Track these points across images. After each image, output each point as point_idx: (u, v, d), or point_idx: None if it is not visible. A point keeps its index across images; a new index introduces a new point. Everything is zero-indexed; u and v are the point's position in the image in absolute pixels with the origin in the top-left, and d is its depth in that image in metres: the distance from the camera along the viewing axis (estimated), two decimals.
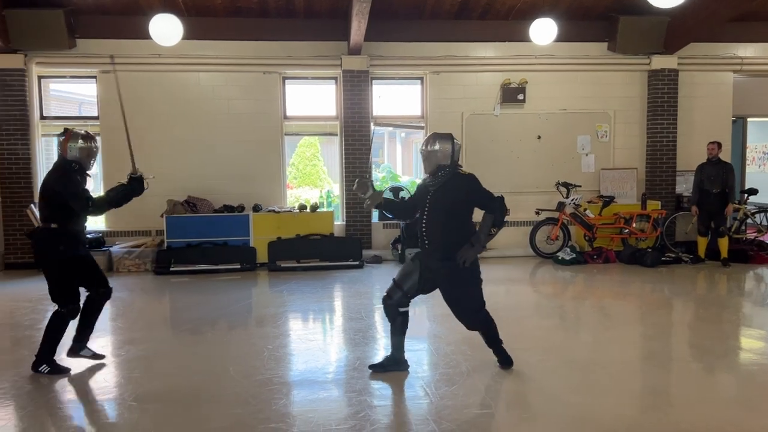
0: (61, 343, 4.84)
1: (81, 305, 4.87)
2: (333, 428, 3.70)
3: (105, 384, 4.56)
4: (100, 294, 4.99)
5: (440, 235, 4.47)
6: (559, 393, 4.25)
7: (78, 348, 5.01)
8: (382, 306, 4.74)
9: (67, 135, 4.78)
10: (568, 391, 4.28)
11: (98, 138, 9.67)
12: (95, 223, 11.04)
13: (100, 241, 9.33)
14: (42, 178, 10.11)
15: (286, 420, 3.85)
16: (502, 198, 4.46)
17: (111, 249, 9.27)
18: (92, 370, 4.83)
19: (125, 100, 9.52)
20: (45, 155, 9.72)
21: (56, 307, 4.80)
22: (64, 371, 4.80)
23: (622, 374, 4.65)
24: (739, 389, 4.39)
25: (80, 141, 4.76)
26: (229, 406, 4.07)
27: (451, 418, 3.82)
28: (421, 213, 4.60)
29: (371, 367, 4.77)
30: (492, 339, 4.64)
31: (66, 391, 4.44)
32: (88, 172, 4.85)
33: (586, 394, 4.22)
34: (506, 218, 4.54)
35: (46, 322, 6.39)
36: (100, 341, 5.61)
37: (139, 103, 9.62)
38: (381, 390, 4.36)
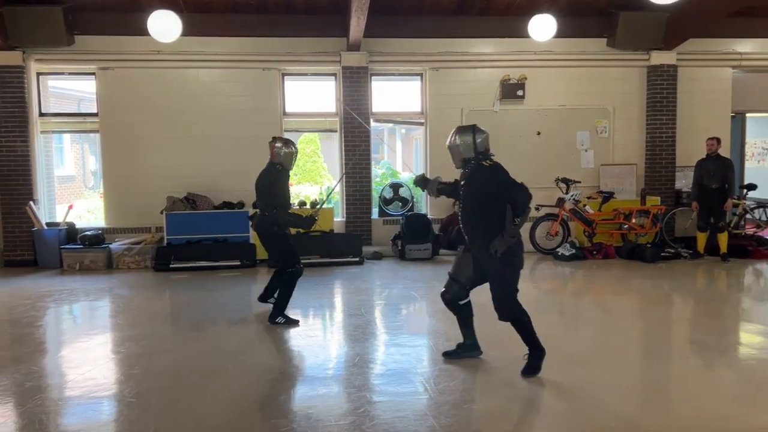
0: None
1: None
2: (333, 424, 3.71)
3: (105, 381, 4.56)
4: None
5: (474, 227, 4.45)
6: (559, 389, 4.25)
7: (264, 299, 6.38)
8: (442, 302, 4.74)
9: (273, 142, 5.94)
10: (568, 386, 4.28)
11: (97, 135, 9.76)
12: (95, 220, 11.06)
13: (99, 238, 9.30)
14: (40, 176, 10.12)
15: (286, 416, 3.86)
16: (522, 186, 4.36)
17: (110, 246, 9.26)
18: (92, 367, 4.83)
19: (124, 98, 9.60)
20: (44, 152, 9.65)
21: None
22: (295, 323, 5.88)
23: (621, 370, 4.65)
24: (739, 385, 4.38)
25: (283, 148, 5.92)
26: (229, 402, 4.07)
27: (450, 414, 3.82)
28: (459, 207, 4.63)
29: (444, 354, 4.84)
30: (524, 332, 4.46)
31: (66, 388, 4.44)
32: (290, 171, 6.08)
33: (586, 389, 4.22)
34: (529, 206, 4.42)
35: (45, 319, 6.46)
36: (99, 338, 5.62)
37: (138, 100, 9.63)
38: (380, 386, 4.36)
